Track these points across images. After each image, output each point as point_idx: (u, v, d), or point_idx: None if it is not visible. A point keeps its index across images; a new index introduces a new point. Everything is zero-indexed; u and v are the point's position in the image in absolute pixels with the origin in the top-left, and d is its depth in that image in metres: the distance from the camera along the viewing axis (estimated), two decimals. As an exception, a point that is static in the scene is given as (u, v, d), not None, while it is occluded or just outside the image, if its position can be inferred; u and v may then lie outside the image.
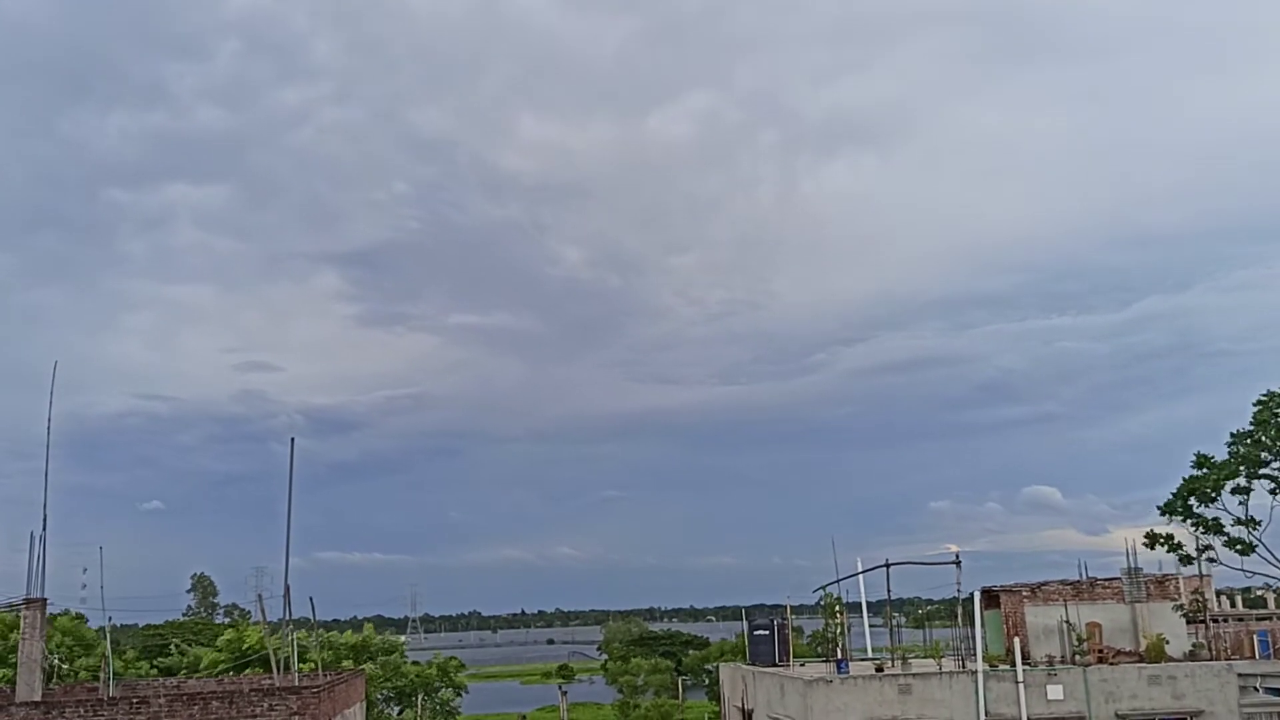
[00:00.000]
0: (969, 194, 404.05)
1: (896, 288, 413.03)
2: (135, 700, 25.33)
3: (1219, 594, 46.29)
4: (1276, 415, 34.49)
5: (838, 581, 38.21)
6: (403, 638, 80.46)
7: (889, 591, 34.77)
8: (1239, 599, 50.14)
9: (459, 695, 60.56)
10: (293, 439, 34.26)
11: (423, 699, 55.96)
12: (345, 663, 50.05)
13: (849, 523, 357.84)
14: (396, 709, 56.62)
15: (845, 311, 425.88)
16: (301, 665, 38.68)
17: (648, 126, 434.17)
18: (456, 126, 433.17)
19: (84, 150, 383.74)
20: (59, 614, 49.32)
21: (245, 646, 49.40)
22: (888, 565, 34.65)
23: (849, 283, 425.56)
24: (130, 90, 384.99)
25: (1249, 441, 34.79)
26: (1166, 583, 35.69)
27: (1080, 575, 36.82)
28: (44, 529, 27.94)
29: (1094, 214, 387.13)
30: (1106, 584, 35.29)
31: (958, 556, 32.93)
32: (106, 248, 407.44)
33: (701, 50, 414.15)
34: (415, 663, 61.05)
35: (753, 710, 34.92)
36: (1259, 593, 47.43)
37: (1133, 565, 34.94)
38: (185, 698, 25.64)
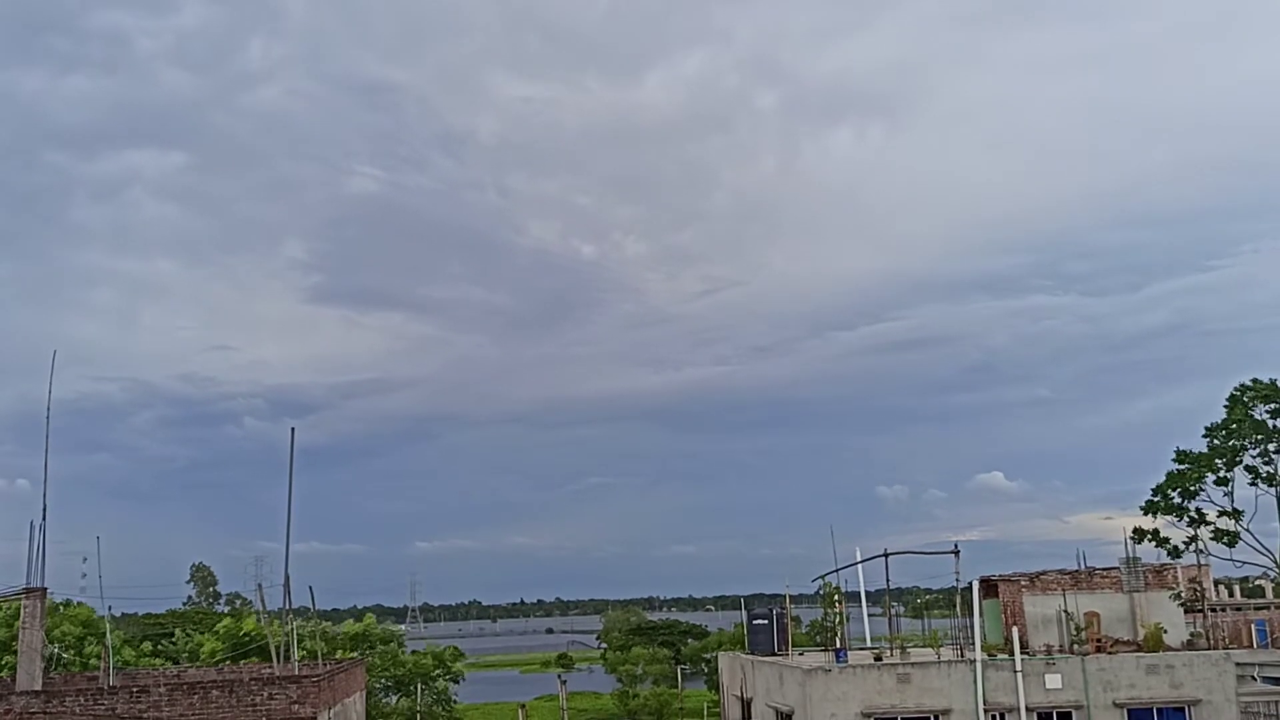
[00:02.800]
0: (971, 166, 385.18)
1: (896, 266, 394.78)
2: (135, 689, 25.38)
3: (1217, 584, 46.43)
4: (1249, 407, 34.78)
5: (836, 571, 38.29)
6: (402, 627, 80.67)
7: (888, 581, 34.86)
8: (1236, 588, 50.31)
9: (456, 684, 60.69)
10: (293, 429, 34.34)
11: (421, 688, 56.04)
12: (342, 653, 50.12)
13: (847, 510, 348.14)
14: (395, 698, 56.71)
15: (841, 290, 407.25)
16: (300, 653, 38.74)
17: (637, 89, 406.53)
18: (429, 88, 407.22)
19: (30, 111, 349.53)
20: (62, 603, 49.36)
21: (242, 633, 49.51)
22: (886, 555, 34.71)
23: (846, 260, 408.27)
24: (83, 44, 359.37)
25: (1223, 434, 35.09)
26: (1165, 572, 35.77)
27: (1079, 565, 36.88)
28: (44, 519, 27.98)
29: (1102, 189, 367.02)
30: (1105, 574, 35.36)
31: (956, 546, 33.02)
32: (57, 218, 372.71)
33: (695, 7, 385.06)
34: (414, 652, 61.17)
35: (752, 699, 35.00)
36: (1256, 582, 47.63)
37: (1130, 555, 35.03)
38: (185, 687, 25.70)
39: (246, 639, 48.20)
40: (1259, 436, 34.60)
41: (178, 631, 60.92)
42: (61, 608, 49.46)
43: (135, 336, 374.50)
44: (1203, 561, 37.11)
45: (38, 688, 26.98)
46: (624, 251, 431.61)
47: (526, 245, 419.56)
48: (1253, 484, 34.57)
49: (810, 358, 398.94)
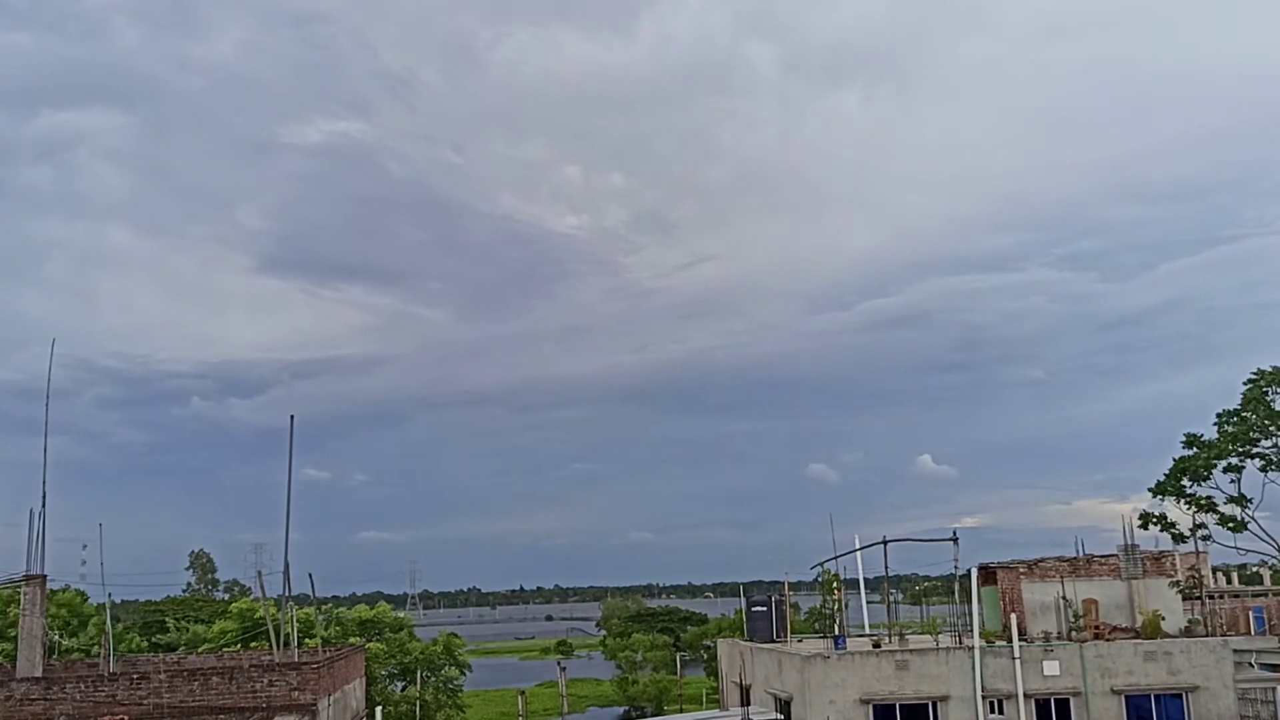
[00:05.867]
0: (975, 135, 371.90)
1: (896, 242, 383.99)
2: (136, 676, 25.44)
3: (1215, 571, 46.50)
4: (1266, 394, 34.54)
5: (835, 558, 38.37)
6: (405, 613, 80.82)
7: (886, 568, 34.91)
8: (1235, 575, 50.41)
9: (462, 674, 60.85)
10: (292, 417, 34.31)
11: (425, 676, 56.23)
12: (354, 639, 50.31)
13: (845, 495, 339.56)
14: (400, 685, 56.90)
15: (837, 267, 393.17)
16: (309, 641, 38.86)
17: (622, 44, 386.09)
18: (386, 34, 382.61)
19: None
20: (60, 589, 49.50)
21: (258, 615, 49.67)
22: (885, 542, 34.78)
23: (843, 235, 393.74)
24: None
25: (1236, 420, 34.84)
26: (1163, 559, 35.81)
27: (1077, 552, 36.94)
28: (43, 506, 28.00)
29: (1110, 160, 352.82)
30: (1103, 560, 35.42)
31: (955, 534, 33.07)
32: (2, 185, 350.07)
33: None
34: (419, 640, 61.31)
35: (751, 686, 35.08)
36: (1255, 569, 47.69)
37: (1129, 542, 35.07)
38: (186, 673, 25.75)
39: (261, 620, 48.33)
40: (1273, 427, 34.29)
41: (170, 622, 60.93)
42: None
43: (73, 310, 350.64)
44: (1202, 549, 37.14)
45: (38, 674, 27.04)
46: (602, 221, 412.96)
47: (493, 211, 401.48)
48: (1263, 470, 34.33)
49: (803, 336, 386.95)
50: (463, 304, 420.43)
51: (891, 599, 38.42)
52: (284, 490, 32.89)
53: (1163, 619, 32.50)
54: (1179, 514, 35.13)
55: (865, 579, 39.10)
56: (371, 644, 49.09)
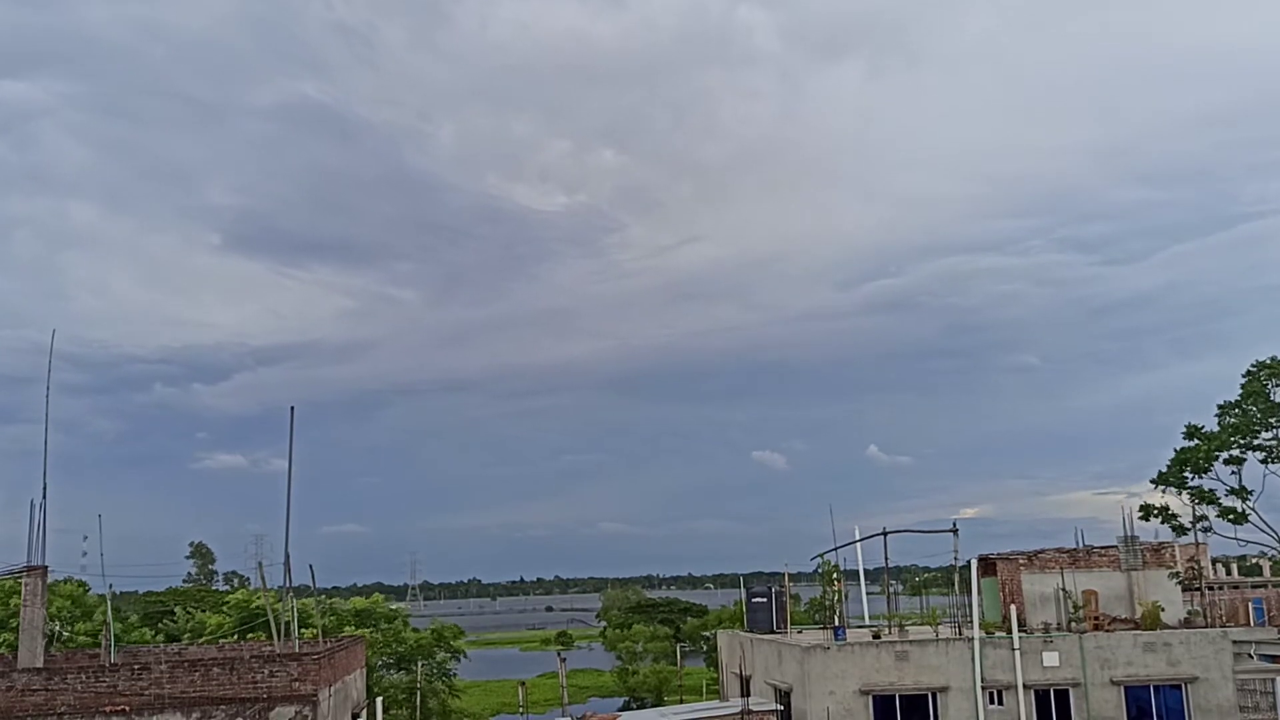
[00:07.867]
0: (976, 115, 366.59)
1: (895, 225, 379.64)
2: (136, 666, 25.45)
3: (1214, 562, 46.54)
4: (1265, 386, 34.60)
5: (835, 549, 38.40)
6: (403, 605, 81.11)
7: (886, 559, 34.94)
8: (1234, 567, 50.42)
9: (456, 660, 61.12)
10: (292, 408, 34.12)
11: (421, 665, 56.45)
12: (348, 629, 50.54)
13: (844, 483, 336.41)
14: (397, 674, 57.12)
15: (834, 249, 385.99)
16: (304, 631, 38.91)
17: (611, 13, 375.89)
18: (371, 10, 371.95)
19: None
20: (61, 580, 49.64)
21: (254, 605, 49.85)
22: (884, 533, 34.80)
23: (837, 216, 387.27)
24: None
25: (1237, 412, 34.90)
26: (1163, 551, 35.86)
27: (1076, 543, 36.97)
28: (44, 497, 28.02)
29: (1113, 143, 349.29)
30: (1103, 552, 35.48)
31: (955, 525, 33.07)
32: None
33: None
34: (415, 630, 61.56)
35: (751, 676, 35.13)
36: (1255, 560, 47.71)
37: (1129, 533, 35.10)
38: (186, 664, 25.75)
39: (258, 611, 48.48)
40: (1273, 419, 34.34)
41: (178, 610, 61.30)
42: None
43: (35, 291, 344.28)
44: (1202, 541, 37.18)
45: (39, 665, 27.09)
46: (590, 200, 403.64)
47: (469, 187, 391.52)
48: (1264, 462, 34.40)
49: (797, 320, 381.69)
50: (438, 285, 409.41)
51: (891, 590, 38.48)
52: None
53: (1162, 610, 32.55)
54: (1180, 506, 35.22)
55: (865, 570, 39.17)
56: (364, 632, 49.31)
